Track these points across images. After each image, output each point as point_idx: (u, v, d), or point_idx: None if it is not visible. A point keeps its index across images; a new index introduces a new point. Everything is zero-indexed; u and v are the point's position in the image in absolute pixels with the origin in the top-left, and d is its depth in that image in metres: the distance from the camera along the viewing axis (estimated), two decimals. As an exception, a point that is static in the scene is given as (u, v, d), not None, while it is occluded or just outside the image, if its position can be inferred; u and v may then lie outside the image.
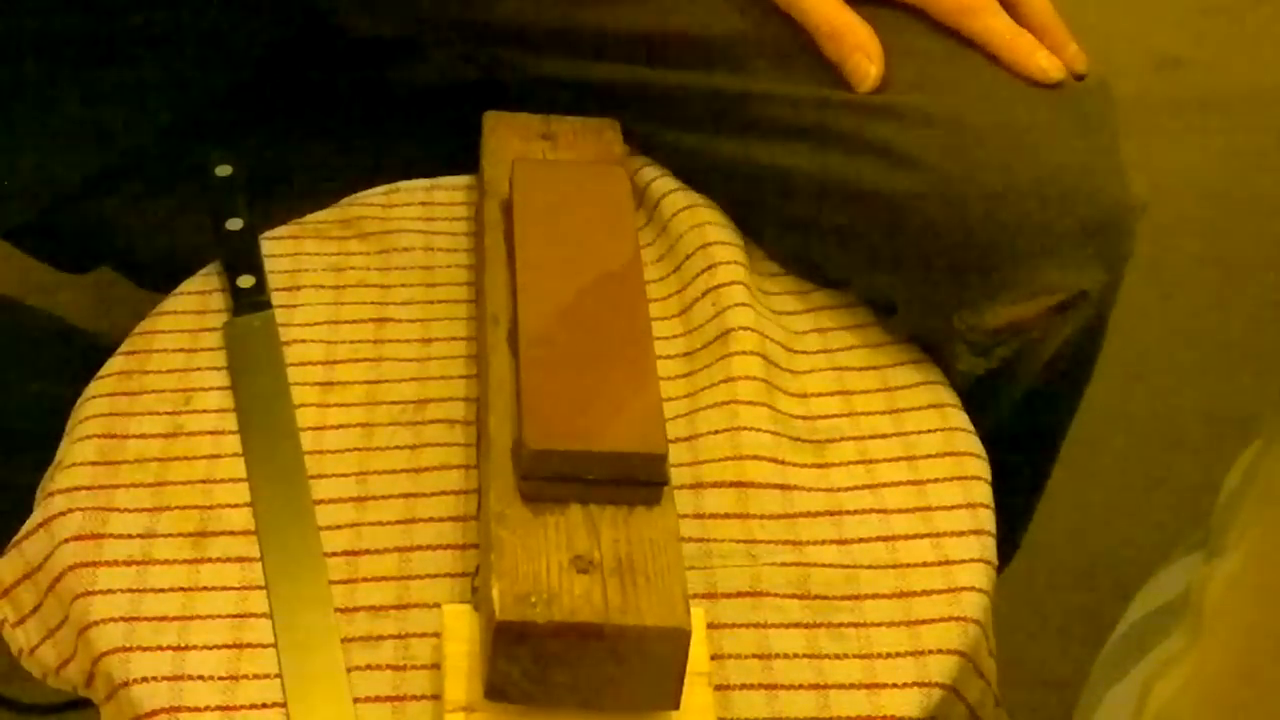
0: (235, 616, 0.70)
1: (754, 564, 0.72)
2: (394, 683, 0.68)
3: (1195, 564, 0.66)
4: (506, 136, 0.86)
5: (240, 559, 0.72)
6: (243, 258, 0.84)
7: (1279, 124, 1.67)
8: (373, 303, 0.83)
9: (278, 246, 0.86)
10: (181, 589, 0.71)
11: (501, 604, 0.63)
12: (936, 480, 0.76)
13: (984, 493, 0.76)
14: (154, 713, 0.67)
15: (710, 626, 0.70)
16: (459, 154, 0.90)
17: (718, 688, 0.68)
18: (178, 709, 0.67)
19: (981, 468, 0.77)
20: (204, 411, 0.78)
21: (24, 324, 0.97)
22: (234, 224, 0.85)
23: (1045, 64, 0.80)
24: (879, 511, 0.75)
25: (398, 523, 0.74)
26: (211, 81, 0.96)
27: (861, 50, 0.80)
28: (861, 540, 0.74)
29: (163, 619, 0.69)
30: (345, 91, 1.00)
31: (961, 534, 0.74)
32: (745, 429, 0.77)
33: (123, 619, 0.69)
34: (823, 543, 0.74)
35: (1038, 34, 0.81)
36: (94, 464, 0.75)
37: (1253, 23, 1.76)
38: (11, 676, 0.84)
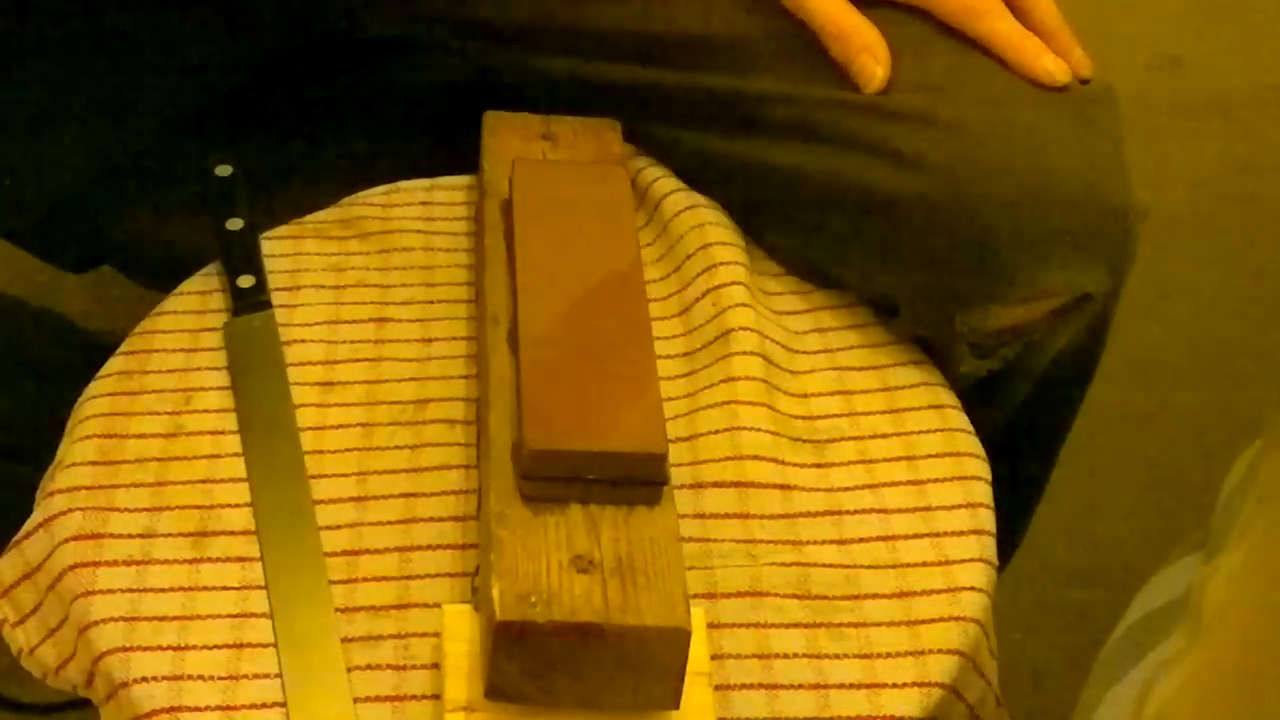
0: (235, 616, 0.70)
1: (754, 564, 0.72)
2: (394, 682, 0.68)
3: (1195, 564, 0.66)
4: (506, 136, 0.86)
5: (240, 559, 0.72)
6: (243, 258, 0.84)
7: (1279, 124, 1.67)
8: (373, 303, 0.83)
9: (278, 246, 0.86)
10: (181, 589, 0.71)
11: (502, 604, 0.63)
12: (936, 480, 0.76)
13: (984, 493, 0.76)
14: (154, 713, 0.67)
15: (710, 626, 0.70)
16: (459, 154, 0.90)
17: (718, 688, 0.68)
18: (178, 709, 0.67)
19: (981, 468, 0.77)
20: (204, 411, 0.78)
21: (24, 323, 0.97)
22: (234, 224, 0.85)
23: (1051, 67, 0.80)
24: (879, 511, 0.75)
25: (398, 523, 0.74)
26: (212, 82, 0.96)
27: (868, 51, 0.80)
28: (861, 540, 0.74)
29: (163, 619, 0.69)
30: (345, 91, 1.00)
31: (961, 534, 0.74)
32: (745, 429, 0.77)
33: (123, 619, 0.69)
34: (823, 543, 0.74)
35: (1044, 38, 0.81)
36: (94, 464, 0.75)
37: (1253, 23, 1.75)
38: (11, 676, 0.84)
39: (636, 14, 0.86)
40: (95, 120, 0.93)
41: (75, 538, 0.72)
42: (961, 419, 0.80)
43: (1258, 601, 0.57)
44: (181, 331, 0.81)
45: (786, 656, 0.69)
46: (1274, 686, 0.54)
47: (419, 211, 0.88)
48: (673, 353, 0.82)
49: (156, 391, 0.79)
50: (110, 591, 0.70)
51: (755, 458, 0.76)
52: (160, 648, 0.69)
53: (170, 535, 0.72)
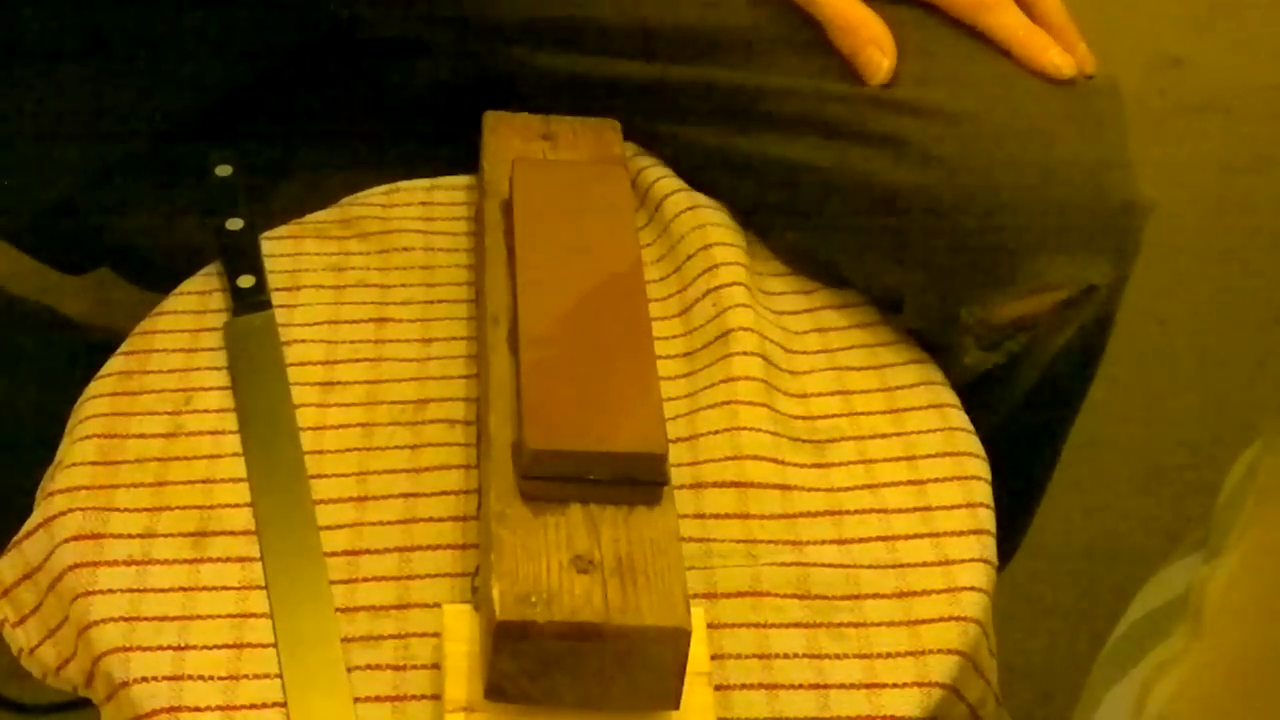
0: (235, 616, 0.70)
1: (754, 564, 0.72)
2: (394, 682, 0.68)
3: (1195, 564, 0.66)
4: (506, 136, 0.86)
5: (240, 559, 0.72)
6: (243, 258, 0.84)
7: (1279, 124, 1.67)
8: (373, 303, 0.83)
9: (278, 246, 0.86)
10: (182, 589, 0.71)
11: (502, 604, 0.63)
12: (936, 480, 0.76)
13: (984, 492, 0.76)
14: (154, 713, 0.67)
15: (710, 626, 0.70)
16: (459, 154, 0.90)
17: (718, 688, 0.68)
18: (178, 709, 0.67)
19: (981, 467, 0.77)
20: (204, 411, 0.78)
21: (24, 320, 0.97)
22: (234, 224, 0.85)
23: (1058, 60, 0.80)
24: (879, 511, 0.75)
25: (398, 522, 0.74)
26: (212, 83, 0.96)
27: (874, 44, 0.80)
28: (861, 540, 0.74)
29: (163, 619, 0.69)
30: (345, 91, 1.00)
31: (961, 534, 0.74)
32: (745, 429, 0.77)
33: (123, 619, 0.69)
34: (823, 543, 0.74)
35: (1050, 33, 0.82)
36: (94, 464, 0.75)
37: (1253, 23, 1.76)
38: (11, 676, 0.84)
39: (641, 9, 0.86)
40: (95, 121, 0.93)
41: (75, 538, 0.72)
42: (961, 418, 0.80)
43: (1258, 601, 0.57)
44: (181, 331, 0.81)
45: (787, 656, 0.69)
46: (1274, 686, 0.54)
47: (419, 211, 0.88)
48: (673, 353, 0.82)
49: (156, 391, 0.79)
50: (110, 591, 0.70)
51: (755, 458, 0.76)
52: (160, 648, 0.69)
53: (170, 535, 0.72)
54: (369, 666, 0.68)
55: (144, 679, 0.68)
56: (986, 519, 0.75)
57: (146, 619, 0.69)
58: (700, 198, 0.87)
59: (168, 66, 0.94)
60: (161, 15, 0.92)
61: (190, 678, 0.68)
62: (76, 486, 0.74)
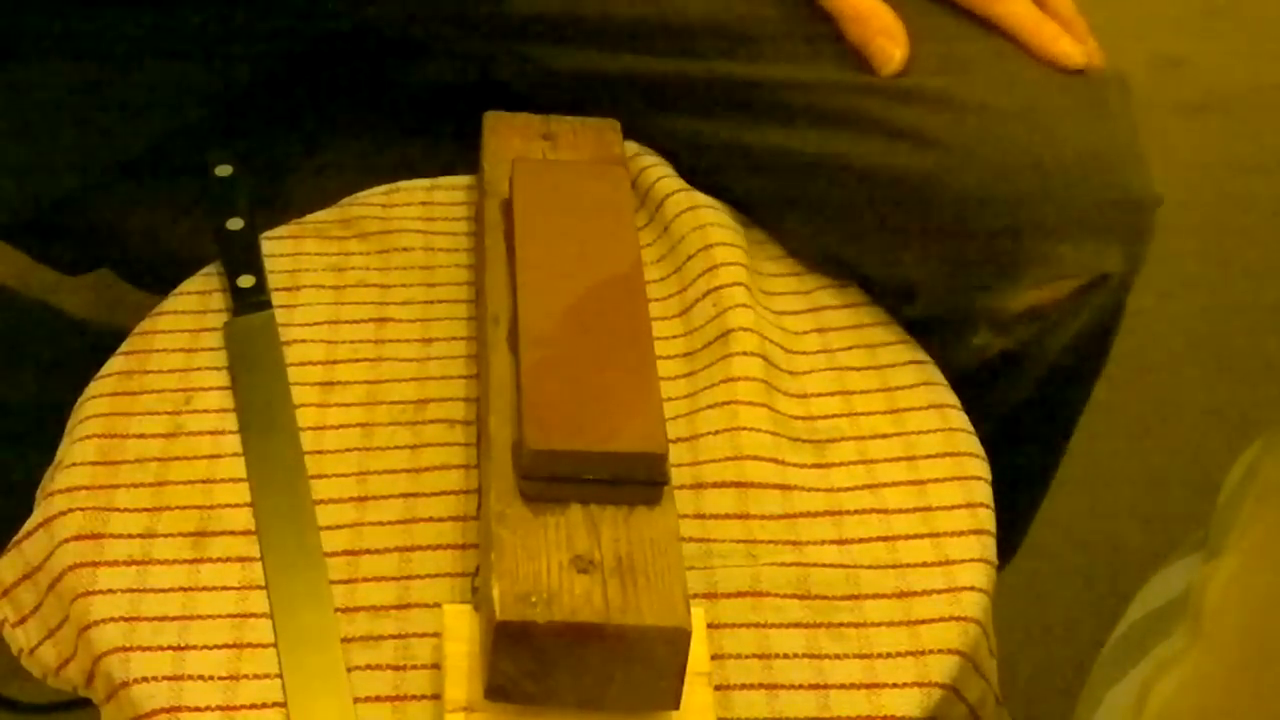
0: (235, 616, 0.70)
1: (754, 564, 0.72)
2: (394, 682, 0.68)
3: (1195, 564, 0.66)
4: (506, 136, 0.86)
5: (240, 559, 0.72)
6: (243, 258, 0.84)
7: (1279, 124, 1.67)
8: (373, 303, 0.83)
9: (278, 246, 0.86)
10: (181, 589, 0.71)
11: (502, 604, 0.63)
12: (937, 480, 0.76)
13: (984, 493, 0.76)
14: (154, 713, 0.67)
15: (710, 626, 0.70)
16: (459, 154, 0.90)
17: (718, 688, 0.68)
18: (178, 709, 0.67)
19: (981, 468, 0.77)
20: (204, 411, 0.78)
21: (24, 319, 0.97)
22: (234, 224, 0.85)
23: (1069, 50, 0.80)
24: (879, 511, 0.75)
25: (398, 523, 0.74)
26: (213, 83, 0.96)
27: (886, 34, 0.81)
28: (861, 540, 0.74)
29: (163, 619, 0.69)
30: (345, 91, 1.00)
31: (962, 534, 0.74)
32: (745, 429, 0.77)
33: (123, 619, 0.69)
34: (823, 543, 0.74)
35: (1059, 24, 0.82)
36: (94, 464, 0.75)
37: (1253, 23, 1.75)
38: (11, 676, 0.84)
39: (655, 4, 0.86)
40: (95, 120, 0.93)
41: (75, 538, 0.72)
42: (962, 419, 0.80)
43: (1258, 601, 0.57)
44: (181, 331, 0.81)
45: (787, 656, 0.69)
46: (1274, 686, 0.54)
47: (419, 211, 0.88)
48: (673, 353, 0.82)
49: (156, 391, 0.79)
50: (110, 591, 0.70)
51: (755, 458, 0.76)
52: (160, 648, 0.69)
53: (170, 535, 0.72)
54: (369, 666, 0.68)
55: (144, 679, 0.68)
56: (986, 519, 0.75)
57: (146, 619, 0.69)
58: (701, 197, 0.87)
59: (168, 67, 0.94)
60: (163, 18, 0.92)
61: (190, 678, 0.68)
62: (76, 486, 0.74)
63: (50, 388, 0.85)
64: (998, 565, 0.75)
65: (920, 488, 0.76)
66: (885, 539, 0.74)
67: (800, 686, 0.69)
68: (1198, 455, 1.37)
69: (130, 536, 0.72)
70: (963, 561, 0.73)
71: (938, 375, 0.82)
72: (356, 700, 0.67)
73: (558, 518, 0.67)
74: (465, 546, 0.73)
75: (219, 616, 0.70)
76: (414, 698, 0.68)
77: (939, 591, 0.72)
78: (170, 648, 0.69)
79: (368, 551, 0.72)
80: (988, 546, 0.74)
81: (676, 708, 0.65)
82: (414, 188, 0.90)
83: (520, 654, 0.63)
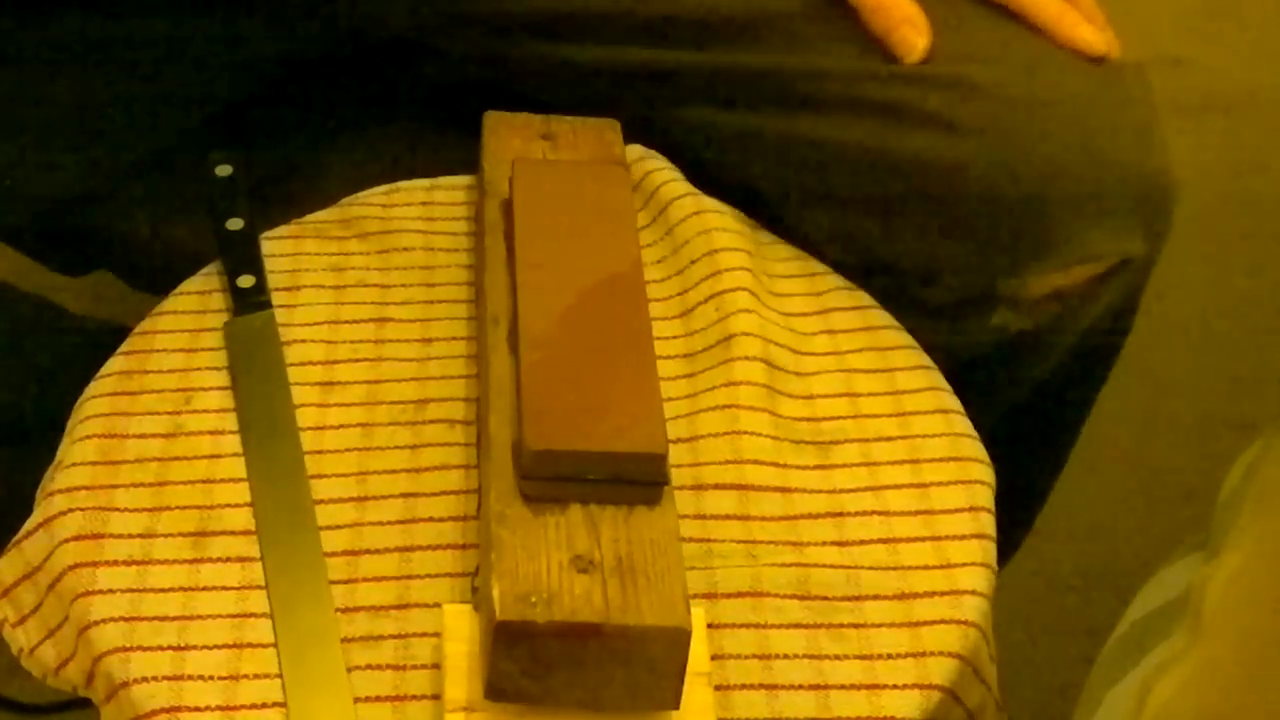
0: (235, 616, 0.70)
1: (754, 564, 0.72)
2: (394, 682, 0.68)
3: (1195, 564, 0.66)
4: (506, 136, 0.86)
5: (240, 559, 0.72)
6: (243, 258, 0.84)
7: (1279, 124, 1.67)
8: (373, 303, 0.83)
9: (278, 246, 0.86)
10: (181, 589, 0.71)
11: (502, 604, 0.63)
12: (940, 484, 0.76)
13: (987, 497, 0.76)
14: (154, 713, 0.67)
15: (710, 626, 0.70)
16: (459, 154, 0.90)
17: (718, 688, 0.68)
18: (178, 709, 0.67)
19: (985, 473, 0.77)
20: (204, 411, 0.78)
21: (24, 314, 0.97)
22: (234, 224, 0.85)
23: (1091, 37, 0.81)
24: (881, 513, 0.75)
25: (398, 523, 0.74)
26: (214, 86, 0.96)
27: (908, 23, 0.81)
28: (863, 542, 0.74)
29: (163, 619, 0.69)
30: (345, 91, 1.00)
31: (963, 538, 0.74)
32: (746, 433, 0.77)
33: (123, 619, 0.69)
34: (823, 544, 0.74)
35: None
36: (94, 464, 0.75)
37: (1253, 23, 1.75)
38: (11, 676, 0.84)
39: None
40: (96, 124, 0.93)
41: (75, 538, 0.72)
42: (967, 425, 0.80)
43: (1258, 601, 0.57)
44: (181, 331, 0.81)
45: (787, 657, 0.69)
46: (1274, 686, 0.54)
47: (419, 211, 0.88)
48: (673, 353, 0.81)
49: (156, 391, 0.79)
50: (110, 591, 0.70)
51: (756, 462, 0.76)
52: (160, 648, 0.69)
53: (170, 535, 0.72)
54: (369, 666, 0.68)
55: (144, 679, 0.68)
56: (988, 524, 0.75)
57: (146, 619, 0.69)
58: (708, 202, 0.87)
59: (169, 69, 0.94)
60: (164, 22, 0.92)
61: (190, 678, 0.68)
62: (76, 486, 0.74)
63: (50, 387, 0.85)
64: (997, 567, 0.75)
65: (923, 491, 0.76)
66: (886, 541, 0.74)
67: (800, 687, 0.69)
68: (1198, 456, 1.37)
69: (130, 536, 0.72)
70: (964, 565, 0.73)
71: (945, 381, 0.82)
72: (356, 700, 0.67)
73: (558, 518, 0.67)
74: (465, 546, 0.73)
75: (219, 616, 0.70)
76: (414, 698, 0.68)
77: (940, 594, 0.72)
78: (170, 648, 0.69)
79: (368, 551, 0.72)
80: (989, 551, 0.74)
81: (676, 708, 0.65)
82: (414, 188, 0.90)
83: (520, 654, 0.63)
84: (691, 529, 0.73)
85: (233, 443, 0.76)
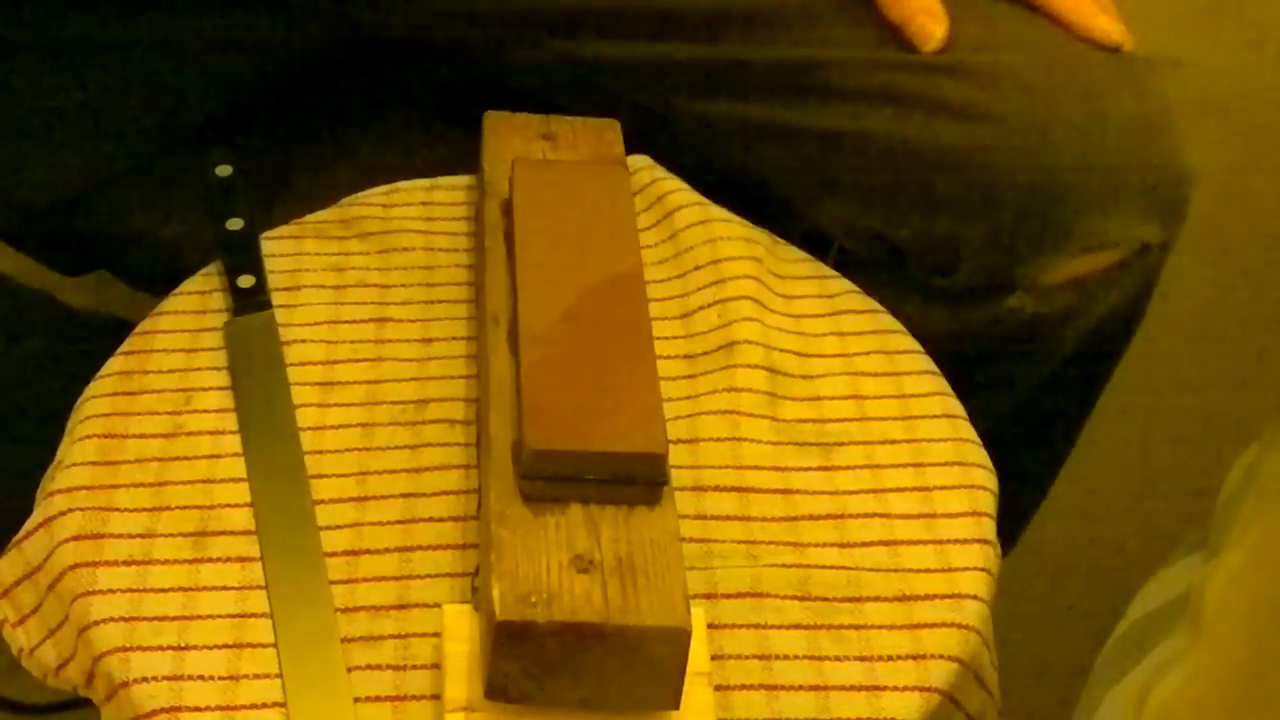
0: (235, 616, 0.70)
1: (755, 565, 0.72)
2: (394, 682, 0.68)
3: (1195, 564, 0.66)
4: (506, 136, 0.86)
5: (240, 559, 0.72)
6: (243, 258, 0.84)
7: (1279, 124, 1.67)
8: (373, 303, 0.83)
9: (278, 246, 0.86)
10: (181, 589, 0.71)
11: (502, 604, 0.63)
12: (943, 488, 0.76)
13: (989, 503, 0.76)
14: (154, 713, 0.67)
15: (710, 627, 0.70)
16: (459, 154, 0.90)
17: (718, 688, 0.68)
18: (178, 709, 0.67)
19: (988, 479, 0.77)
20: (204, 411, 0.78)
21: (25, 310, 0.97)
22: (234, 224, 0.85)
23: (1108, 27, 0.82)
24: (882, 516, 0.75)
25: (398, 523, 0.74)
26: (214, 86, 0.96)
27: (926, 12, 0.81)
28: (864, 544, 0.74)
29: (163, 619, 0.69)
30: (345, 91, 1.00)
31: (965, 542, 0.74)
32: (746, 440, 0.77)
33: (123, 619, 0.69)
34: (824, 545, 0.74)
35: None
36: (94, 464, 0.75)
37: (1253, 23, 1.75)
38: (11, 676, 0.84)
39: None
40: (96, 123, 0.93)
41: (75, 538, 0.72)
42: (971, 431, 0.79)
43: (1258, 601, 0.57)
44: (181, 331, 0.81)
45: (787, 658, 0.69)
46: (1274, 686, 0.54)
47: (419, 211, 0.88)
48: (673, 354, 0.81)
49: (156, 391, 0.79)
50: (110, 591, 0.70)
51: (756, 467, 0.76)
52: (160, 648, 0.69)
53: (170, 535, 0.72)
54: (369, 666, 0.68)
55: (144, 679, 0.68)
56: (990, 529, 0.75)
57: (146, 619, 0.69)
58: (715, 211, 0.87)
59: (169, 70, 0.94)
60: (165, 22, 0.92)
61: (190, 678, 0.68)
62: (76, 486, 0.74)
63: (50, 384, 0.85)
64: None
65: (926, 494, 0.76)
66: (888, 543, 0.74)
67: (800, 688, 0.69)
68: (1198, 455, 1.36)
69: (130, 536, 0.72)
70: (965, 569, 0.73)
71: (950, 388, 0.82)
72: (356, 700, 0.67)
73: (558, 518, 0.67)
74: (465, 546, 0.73)
75: (219, 616, 0.70)
76: (414, 698, 0.68)
77: (941, 596, 0.72)
78: (170, 648, 0.68)
79: (368, 551, 0.72)
80: (989, 557, 0.74)
81: (676, 708, 0.65)
82: (414, 188, 0.90)
83: (520, 654, 0.63)
84: (692, 529, 0.73)
85: (233, 443, 0.76)
